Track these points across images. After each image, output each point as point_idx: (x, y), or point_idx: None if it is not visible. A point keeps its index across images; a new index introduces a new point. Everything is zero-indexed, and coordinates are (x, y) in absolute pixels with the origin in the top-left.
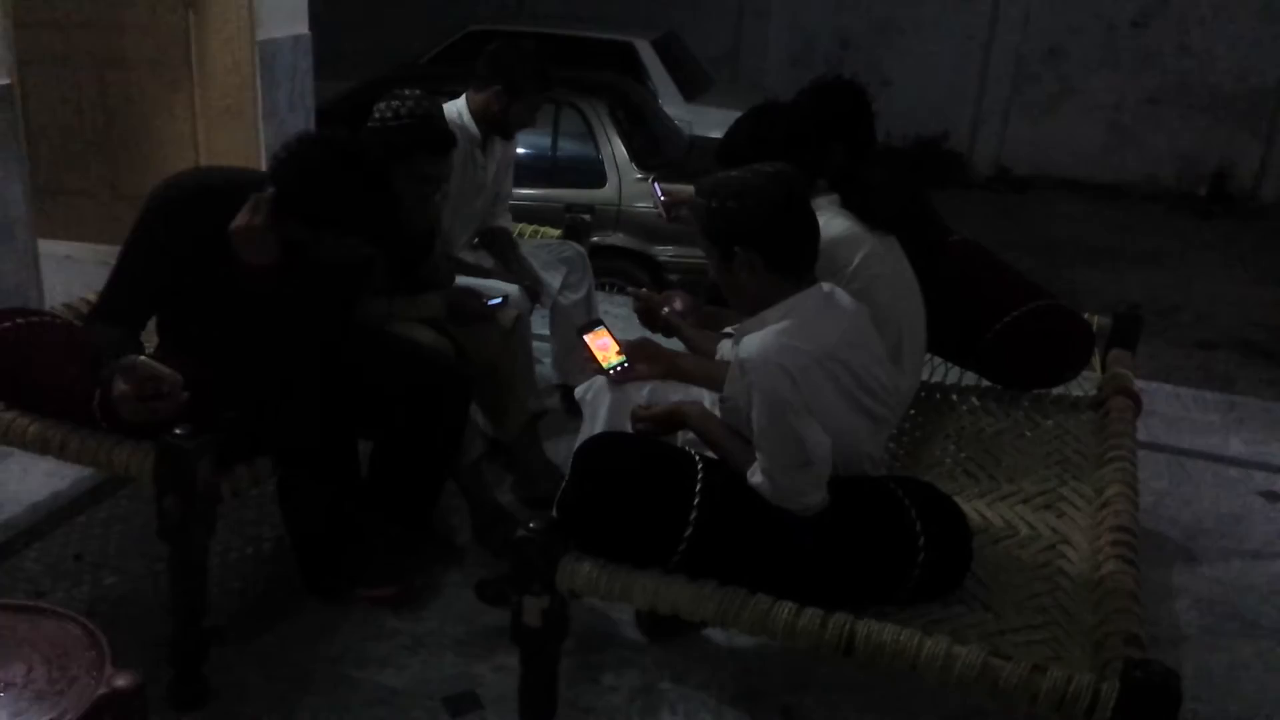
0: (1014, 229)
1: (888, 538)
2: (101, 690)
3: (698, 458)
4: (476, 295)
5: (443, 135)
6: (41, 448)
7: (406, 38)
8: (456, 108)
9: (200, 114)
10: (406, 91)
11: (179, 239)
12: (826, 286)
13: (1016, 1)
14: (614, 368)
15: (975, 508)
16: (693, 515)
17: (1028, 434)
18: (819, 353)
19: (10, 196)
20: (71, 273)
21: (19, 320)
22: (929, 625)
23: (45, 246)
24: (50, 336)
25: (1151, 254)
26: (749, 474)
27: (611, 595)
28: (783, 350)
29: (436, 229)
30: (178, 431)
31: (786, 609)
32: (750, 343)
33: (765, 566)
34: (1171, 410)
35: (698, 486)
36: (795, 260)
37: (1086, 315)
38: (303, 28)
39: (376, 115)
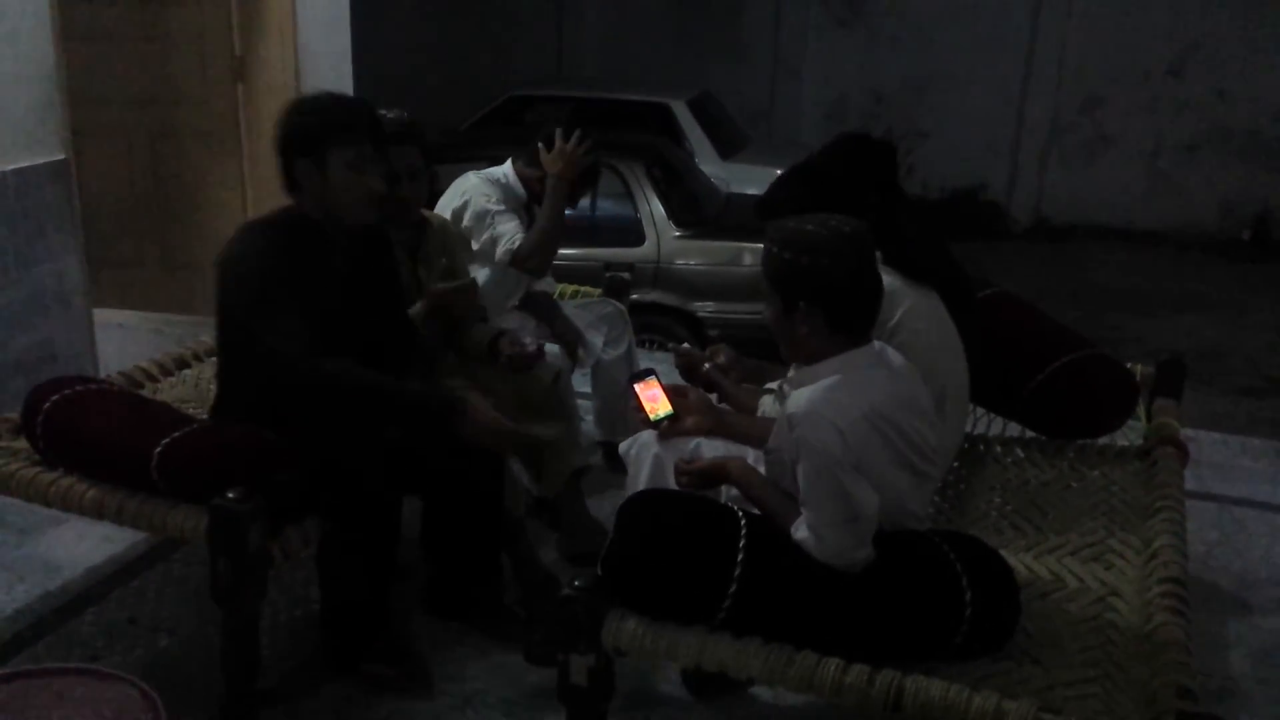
0: (1054, 279)
1: (934, 596)
2: None
3: (741, 514)
4: (515, 340)
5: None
6: (98, 512)
7: (449, 104)
8: (503, 172)
9: (250, 183)
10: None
11: (294, 269)
12: (878, 345)
13: (1051, 52)
14: (661, 420)
15: (1022, 561)
16: (737, 572)
17: (1073, 485)
18: (868, 409)
19: (67, 267)
20: (125, 340)
21: (76, 388)
22: (978, 681)
23: (99, 315)
24: (106, 403)
25: (1195, 300)
26: (794, 529)
27: (657, 653)
28: (833, 406)
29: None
30: (230, 495)
31: (833, 665)
32: (800, 397)
33: (810, 623)
34: (1220, 458)
35: (742, 543)
36: (857, 322)
37: (1130, 364)
38: None
39: None
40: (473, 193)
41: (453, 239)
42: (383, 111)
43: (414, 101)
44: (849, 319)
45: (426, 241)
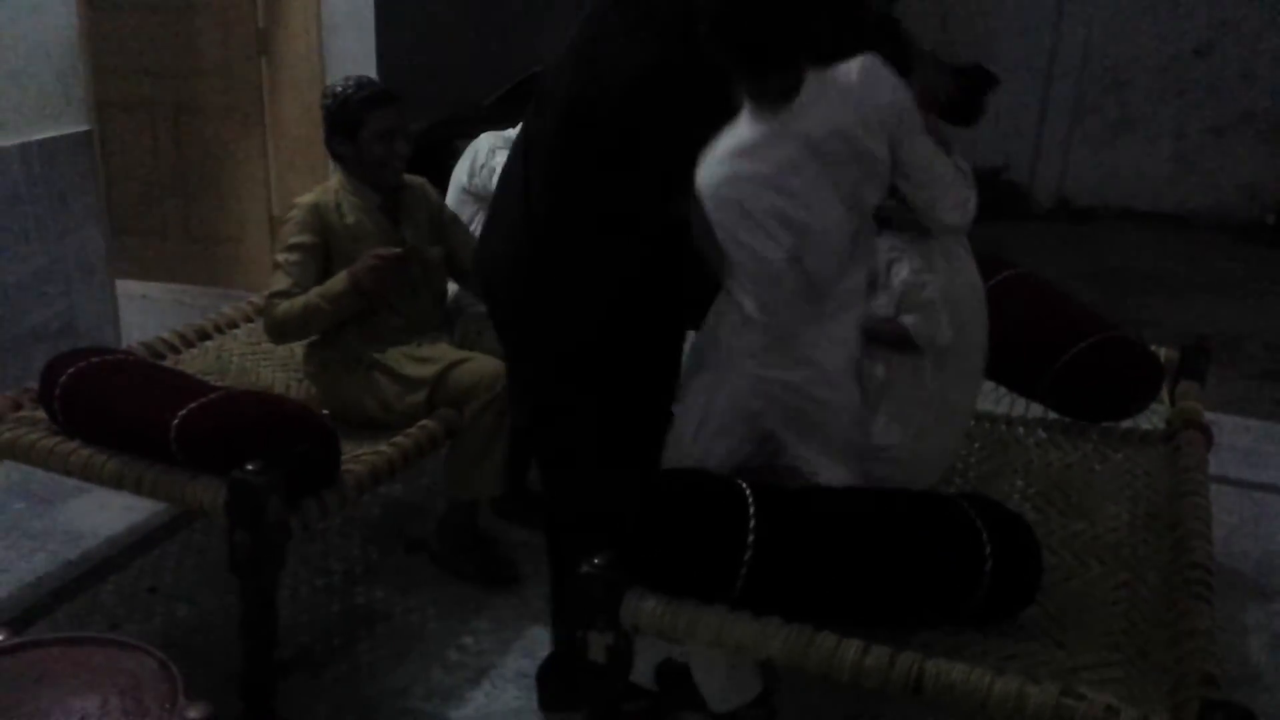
0: (1076, 260)
1: (953, 551)
2: None
3: (746, 488)
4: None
5: (381, 90)
6: (118, 483)
7: (472, 78)
8: (517, 131)
9: (273, 158)
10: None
11: None
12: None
13: (1076, 32)
14: None
15: (1045, 543)
16: (750, 538)
17: (1097, 468)
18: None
19: (90, 238)
20: (147, 312)
21: (93, 359)
22: (1000, 663)
23: (121, 286)
24: (127, 374)
25: (1219, 284)
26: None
27: (675, 632)
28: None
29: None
30: (249, 467)
31: (854, 647)
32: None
33: (828, 580)
34: (1243, 443)
35: (752, 509)
36: None
37: (1154, 347)
38: (371, 74)
39: (324, 108)
40: (482, 144)
41: (433, 196)
42: (361, 76)
43: (438, 76)
44: None
45: (404, 201)
